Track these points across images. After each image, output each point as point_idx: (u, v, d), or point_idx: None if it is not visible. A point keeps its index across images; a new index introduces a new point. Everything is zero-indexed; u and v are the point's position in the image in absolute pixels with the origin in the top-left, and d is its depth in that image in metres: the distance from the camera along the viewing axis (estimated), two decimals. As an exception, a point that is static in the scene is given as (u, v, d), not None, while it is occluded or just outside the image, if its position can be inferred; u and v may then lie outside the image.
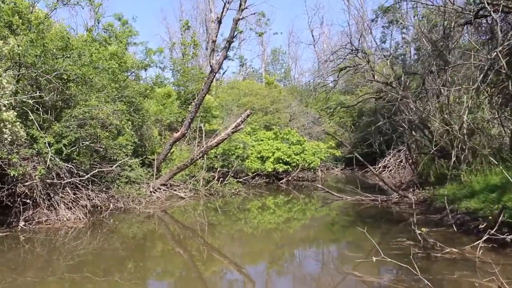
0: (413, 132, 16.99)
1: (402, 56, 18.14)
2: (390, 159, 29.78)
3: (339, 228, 12.87)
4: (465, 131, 14.41)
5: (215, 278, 8.37)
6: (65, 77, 13.04)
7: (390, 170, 29.68)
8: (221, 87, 38.84)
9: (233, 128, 17.01)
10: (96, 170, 13.52)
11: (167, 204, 16.50)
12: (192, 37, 37.05)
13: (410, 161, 18.65)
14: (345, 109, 42.92)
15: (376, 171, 30.72)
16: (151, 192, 16.99)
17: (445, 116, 15.99)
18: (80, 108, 13.09)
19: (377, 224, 12.94)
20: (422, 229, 8.28)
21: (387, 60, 19.81)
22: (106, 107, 13.55)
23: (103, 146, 13.82)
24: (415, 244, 8.96)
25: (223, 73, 47.10)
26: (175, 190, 18.27)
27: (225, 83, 43.31)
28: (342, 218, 14.48)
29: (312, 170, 26.87)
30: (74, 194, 13.13)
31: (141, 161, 17.33)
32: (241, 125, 17.07)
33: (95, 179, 13.99)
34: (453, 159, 13.60)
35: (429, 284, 6.11)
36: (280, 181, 25.18)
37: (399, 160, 28.43)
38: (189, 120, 18.65)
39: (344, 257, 9.17)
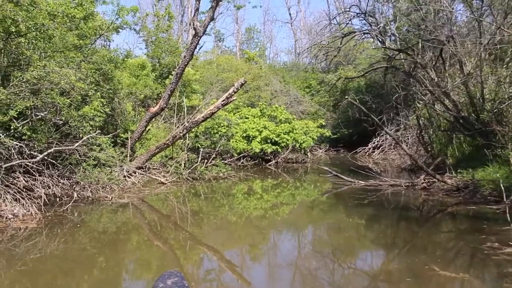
0: (434, 105, 14.36)
1: (421, 20, 15.13)
2: (383, 139, 27.30)
3: (367, 227, 10.01)
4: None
5: (198, 274, 6.89)
6: (13, 29, 9.75)
7: (382, 151, 27.24)
8: (197, 63, 35.49)
9: (223, 100, 14.00)
10: (52, 149, 10.24)
11: (145, 191, 13.43)
12: (166, 9, 33.54)
13: (422, 139, 15.95)
14: (326, 89, 40.28)
15: (366, 152, 28.36)
16: (125, 176, 13.87)
17: (472, 88, 13.41)
18: (33, 70, 9.86)
19: (421, 217, 10.20)
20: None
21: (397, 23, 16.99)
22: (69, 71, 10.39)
23: (63, 119, 10.61)
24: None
25: (199, 49, 43.74)
26: (153, 174, 15.18)
27: (201, 58, 39.86)
28: (365, 210, 11.08)
29: (303, 151, 24.08)
30: (26, 181, 9.93)
31: (112, 140, 14.19)
32: (233, 96, 14.09)
33: (54, 161, 10.84)
34: (497, 136, 11.07)
35: None
36: (268, 163, 22.31)
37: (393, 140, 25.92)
38: (169, 92, 15.53)
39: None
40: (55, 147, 10.52)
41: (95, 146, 12.89)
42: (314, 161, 24.94)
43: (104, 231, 9.20)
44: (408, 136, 22.82)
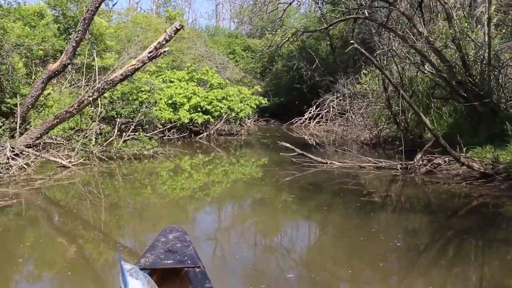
0: (424, 65, 11.34)
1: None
2: (319, 108, 24.31)
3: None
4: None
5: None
6: None
7: (318, 123, 24.25)
8: (111, 21, 30.26)
9: (151, 51, 9.94)
10: None
11: (38, 179, 9.17)
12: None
13: (390, 108, 12.89)
14: (252, 55, 36.74)
15: (302, 123, 25.32)
16: (8, 158, 9.53)
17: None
18: None
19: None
20: None
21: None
22: None
23: None
24: None
25: (113, 5, 38.38)
26: (52, 155, 10.80)
27: (115, 16, 34.45)
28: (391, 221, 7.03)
29: (238, 121, 20.48)
30: None
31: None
32: (164, 47, 10.15)
33: None
34: None
35: None
36: (199, 136, 18.48)
37: (333, 109, 22.96)
38: (74, 44, 11.21)
39: None
40: None
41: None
42: (249, 133, 21.52)
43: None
44: (353, 106, 19.96)
